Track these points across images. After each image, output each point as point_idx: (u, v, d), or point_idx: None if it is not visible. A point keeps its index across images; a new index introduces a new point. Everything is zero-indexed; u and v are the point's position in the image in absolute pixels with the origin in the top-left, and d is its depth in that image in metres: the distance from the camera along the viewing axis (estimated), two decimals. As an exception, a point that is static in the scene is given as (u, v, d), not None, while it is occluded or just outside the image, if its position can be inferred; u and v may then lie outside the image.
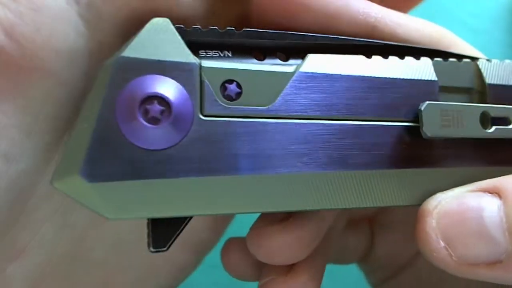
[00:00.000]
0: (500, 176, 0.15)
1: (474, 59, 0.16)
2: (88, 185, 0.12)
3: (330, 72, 0.14)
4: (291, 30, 0.14)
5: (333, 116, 0.14)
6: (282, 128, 0.13)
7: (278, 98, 0.13)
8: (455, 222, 0.14)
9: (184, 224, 0.13)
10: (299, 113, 0.13)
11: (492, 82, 0.16)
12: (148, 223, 0.13)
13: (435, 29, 0.17)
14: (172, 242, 0.13)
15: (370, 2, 0.16)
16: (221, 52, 0.14)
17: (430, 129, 0.14)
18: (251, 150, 0.13)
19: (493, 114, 0.15)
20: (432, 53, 0.16)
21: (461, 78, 0.16)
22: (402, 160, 0.14)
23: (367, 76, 0.14)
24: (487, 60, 0.16)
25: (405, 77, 0.15)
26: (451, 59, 0.16)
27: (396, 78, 0.15)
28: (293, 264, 0.17)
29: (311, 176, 0.13)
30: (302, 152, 0.13)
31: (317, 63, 0.14)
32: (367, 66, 0.14)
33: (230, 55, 0.14)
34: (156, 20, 0.13)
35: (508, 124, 0.15)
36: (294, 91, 0.13)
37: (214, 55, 0.14)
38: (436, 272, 0.20)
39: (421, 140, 0.14)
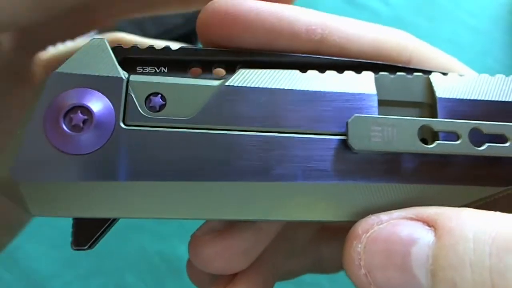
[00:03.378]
0: (444, 195, 0.14)
1: (427, 72, 0.16)
2: (15, 183, 0.13)
3: (257, 86, 0.14)
4: (236, 49, 0.15)
5: (257, 128, 0.14)
6: (202, 138, 0.14)
7: (200, 110, 0.14)
8: (381, 252, 0.13)
9: (106, 226, 0.14)
10: (221, 125, 0.14)
11: (443, 96, 0.15)
12: (72, 222, 0.14)
13: (394, 41, 0.17)
14: (93, 242, 0.14)
15: (322, 17, 0.16)
16: (157, 68, 0.15)
17: (357, 142, 0.14)
18: (170, 158, 0.13)
19: (436, 128, 0.14)
20: (382, 67, 0.16)
21: (409, 92, 0.15)
22: (333, 173, 0.14)
23: (298, 90, 0.14)
24: (443, 74, 0.16)
25: (340, 91, 0.15)
26: (398, 73, 0.15)
27: (329, 92, 0.15)
28: (235, 275, 0.17)
29: (229, 185, 0.14)
30: (220, 162, 0.14)
31: (245, 77, 0.14)
32: (300, 80, 0.15)
33: (165, 70, 0.15)
34: (93, 40, 0.14)
35: (457, 139, 0.14)
36: (218, 103, 0.14)
37: (150, 71, 0.15)
38: None
39: (353, 154, 0.14)
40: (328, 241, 0.22)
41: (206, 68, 0.15)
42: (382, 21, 0.44)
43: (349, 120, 0.14)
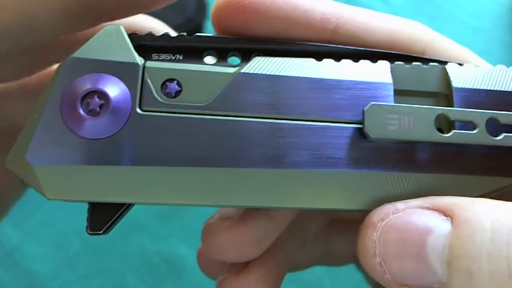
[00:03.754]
0: (459, 185, 0.14)
1: (443, 63, 0.16)
2: (32, 167, 0.13)
3: (272, 73, 0.14)
4: (251, 37, 0.15)
5: (272, 115, 0.14)
6: (217, 124, 0.14)
7: (216, 97, 0.14)
8: (396, 241, 0.13)
9: (121, 211, 0.14)
10: (236, 112, 0.14)
11: (459, 86, 0.15)
12: (88, 207, 0.14)
13: (409, 32, 0.17)
14: (108, 227, 0.14)
15: (337, 7, 0.16)
16: (173, 56, 0.15)
17: (373, 130, 0.14)
18: (186, 144, 0.14)
19: (453, 117, 0.14)
20: (397, 57, 0.16)
21: (425, 82, 0.15)
22: (348, 161, 0.14)
23: (312, 78, 0.14)
24: (459, 64, 0.16)
25: (356, 79, 0.15)
26: (414, 63, 0.15)
27: (344, 80, 0.15)
28: (248, 263, 0.17)
29: (242, 172, 0.14)
30: (234, 148, 0.14)
31: (261, 65, 0.14)
32: (315, 68, 0.15)
33: (181, 58, 0.15)
34: (108, 27, 0.14)
35: (473, 129, 0.14)
36: (233, 90, 0.14)
37: (166, 58, 0.15)
38: None
39: (369, 142, 0.14)
40: (340, 233, 0.22)
41: (221, 56, 0.15)
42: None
43: (365, 108, 0.14)
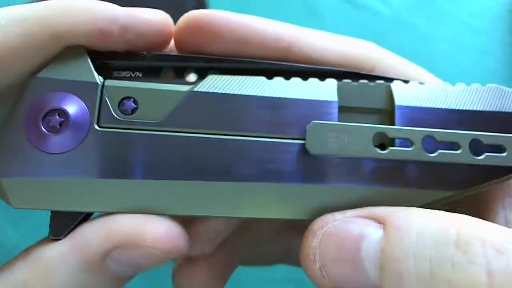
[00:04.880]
0: (398, 198, 0.15)
1: (390, 80, 0.16)
2: None
3: (224, 92, 0.15)
4: (207, 55, 0.17)
5: (221, 132, 0.15)
6: (168, 140, 0.15)
7: (169, 114, 0.15)
8: (334, 247, 0.14)
9: (80, 219, 0.15)
10: (187, 128, 0.15)
11: (402, 104, 0.16)
12: (50, 214, 0.15)
13: (359, 51, 0.18)
14: (68, 233, 0.15)
15: (289, 27, 0.17)
16: (133, 73, 0.16)
17: (314, 147, 0.15)
18: (139, 158, 0.15)
19: (391, 135, 0.15)
20: (346, 74, 0.17)
21: (370, 99, 0.16)
22: (293, 175, 0.15)
23: (262, 96, 0.15)
24: (404, 82, 0.17)
25: (302, 98, 0.15)
26: (361, 81, 0.16)
27: (292, 99, 0.15)
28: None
29: (190, 184, 0.15)
30: (183, 162, 0.15)
31: (213, 83, 0.15)
32: (265, 86, 0.16)
33: (140, 75, 0.16)
34: (71, 46, 0.15)
35: (410, 146, 0.15)
36: (185, 108, 0.15)
37: (126, 76, 0.16)
38: None
39: (311, 157, 0.15)
40: (295, 234, 0.22)
41: (179, 74, 0.17)
42: (382, 21, 0.44)
43: (308, 127, 0.15)
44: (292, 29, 0.17)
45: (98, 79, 0.15)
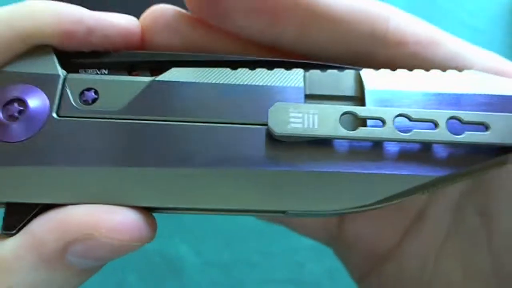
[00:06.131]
0: (370, 185, 0.14)
1: (358, 69, 0.16)
2: None
3: (186, 81, 0.15)
4: (173, 51, 0.17)
5: (182, 119, 0.15)
6: (127, 128, 0.15)
7: (130, 102, 0.15)
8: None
9: (34, 213, 0.14)
10: (147, 115, 0.15)
11: (372, 89, 0.15)
12: (4, 207, 0.15)
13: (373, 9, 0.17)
14: (20, 228, 0.14)
15: None
16: (99, 71, 0.16)
17: (277, 127, 0.14)
18: (97, 146, 0.15)
19: (360, 114, 0.14)
20: (313, 66, 0.16)
21: (339, 87, 0.16)
22: (256, 160, 0.15)
23: (225, 84, 0.15)
24: (374, 69, 0.16)
25: (267, 85, 0.15)
26: (330, 70, 0.16)
27: (255, 85, 0.15)
28: None
29: (151, 171, 0.14)
30: (143, 149, 0.15)
31: (176, 74, 0.16)
32: (229, 76, 0.16)
33: (106, 72, 0.16)
34: (39, 46, 0.16)
35: (383, 126, 0.14)
36: (146, 96, 0.15)
37: (91, 73, 0.16)
38: (421, 267, 0.20)
39: (277, 142, 0.15)
40: None
41: (144, 71, 0.17)
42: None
43: (270, 108, 0.15)
44: None
45: (61, 72, 0.15)
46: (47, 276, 0.14)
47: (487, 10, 0.43)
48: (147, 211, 0.15)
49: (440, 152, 0.15)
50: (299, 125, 0.14)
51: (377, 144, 0.15)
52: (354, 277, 0.24)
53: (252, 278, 0.31)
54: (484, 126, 0.14)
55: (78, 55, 0.16)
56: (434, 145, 0.15)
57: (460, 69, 0.16)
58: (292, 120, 0.14)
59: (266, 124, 0.15)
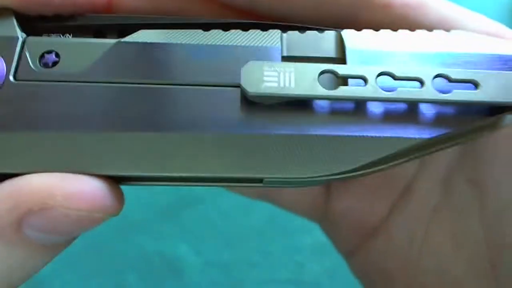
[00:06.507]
0: (354, 149, 0.13)
1: (339, 30, 0.15)
2: None
3: (154, 41, 0.14)
4: (143, 14, 0.16)
5: (152, 81, 0.14)
6: (92, 90, 0.14)
7: (92, 65, 0.14)
8: None
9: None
10: (111, 78, 0.14)
11: (353, 48, 0.14)
12: None
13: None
14: None
15: None
16: (63, 35, 0.16)
17: (250, 86, 0.13)
18: (57, 110, 0.14)
19: (341, 73, 0.13)
20: (291, 28, 0.15)
21: (319, 48, 0.15)
22: (229, 123, 0.13)
23: (195, 44, 0.14)
24: (356, 30, 0.15)
25: (240, 45, 0.14)
26: (308, 31, 0.15)
27: (229, 45, 0.14)
28: None
29: (119, 136, 0.13)
30: (108, 113, 0.14)
31: (144, 35, 0.15)
32: (201, 36, 0.15)
33: (70, 37, 0.16)
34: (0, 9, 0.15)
35: (364, 84, 0.13)
36: (110, 58, 0.14)
37: (55, 38, 0.15)
38: (410, 240, 0.20)
39: (251, 103, 0.14)
40: None
41: (112, 35, 0.16)
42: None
43: (243, 67, 0.13)
44: None
45: (20, 34, 0.15)
46: (6, 252, 0.13)
47: (487, 10, 0.42)
48: (114, 181, 0.14)
49: (427, 112, 0.14)
50: (274, 84, 0.13)
51: (360, 105, 0.14)
52: (342, 252, 0.23)
53: (252, 278, 0.31)
54: (474, 84, 0.14)
55: (41, 19, 0.15)
56: (421, 105, 0.14)
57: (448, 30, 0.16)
58: (266, 79, 0.13)
59: (239, 86, 0.14)
